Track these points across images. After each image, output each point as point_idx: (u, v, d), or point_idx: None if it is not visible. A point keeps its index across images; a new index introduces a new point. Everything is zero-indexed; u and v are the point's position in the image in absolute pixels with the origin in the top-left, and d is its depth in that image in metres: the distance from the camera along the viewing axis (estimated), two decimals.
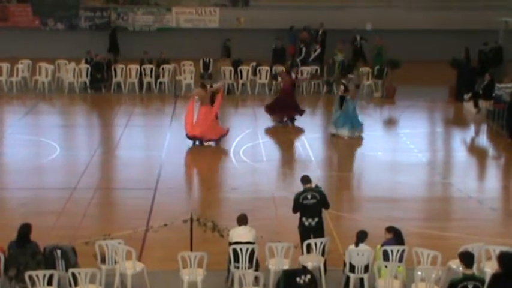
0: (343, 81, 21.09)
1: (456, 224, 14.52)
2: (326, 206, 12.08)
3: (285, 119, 21.85)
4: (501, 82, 23.22)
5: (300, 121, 22.00)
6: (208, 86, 19.90)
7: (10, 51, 28.65)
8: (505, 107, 20.93)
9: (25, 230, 10.90)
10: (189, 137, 19.39)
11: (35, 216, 13.36)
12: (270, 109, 21.99)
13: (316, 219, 11.86)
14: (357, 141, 20.68)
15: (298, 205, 11.91)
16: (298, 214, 11.99)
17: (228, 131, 19.85)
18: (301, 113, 21.89)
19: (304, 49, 27.79)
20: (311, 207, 11.87)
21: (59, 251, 10.91)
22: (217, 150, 19.57)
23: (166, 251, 12.51)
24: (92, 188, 16.02)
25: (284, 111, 21.78)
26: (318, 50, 27.91)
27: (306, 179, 12.15)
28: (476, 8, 31.00)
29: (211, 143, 19.49)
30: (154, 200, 15.26)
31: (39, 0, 31.08)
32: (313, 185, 12.14)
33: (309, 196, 11.89)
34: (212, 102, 19.59)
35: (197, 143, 19.44)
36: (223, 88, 21.33)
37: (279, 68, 25.53)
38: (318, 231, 11.83)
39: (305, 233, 11.83)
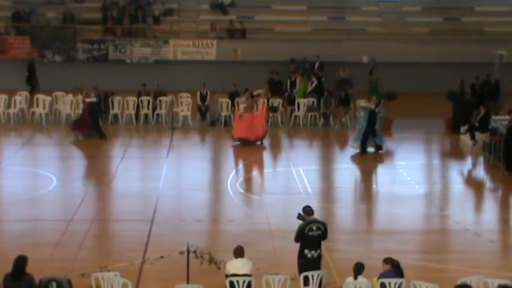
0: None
1: (454, 257, 14.47)
2: (326, 237, 12.02)
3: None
4: (497, 114, 23.28)
5: (297, 153, 21.97)
6: (249, 93, 23.49)
7: (8, 83, 28.71)
8: (502, 139, 20.96)
9: (21, 263, 10.84)
10: (234, 138, 22.75)
11: (30, 248, 13.27)
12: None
13: (318, 251, 11.80)
14: (355, 173, 20.76)
15: (303, 236, 11.80)
16: (298, 246, 11.87)
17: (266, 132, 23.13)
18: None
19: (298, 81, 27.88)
20: (315, 239, 11.79)
21: (54, 284, 10.83)
22: (215, 182, 19.54)
23: (162, 283, 12.44)
24: (89, 219, 15.95)
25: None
26: (315, 83, 27.99)
27: (309, 211, 12.00)
28: (472, 41, 31.24)
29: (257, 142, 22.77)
30: (150, 232, 15.19)
31: (38, 32, 31.25)
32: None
33: (314, 227, 11.81)
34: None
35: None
36: (264, 94, 24.30)
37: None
38: (318, 263, 11.76)
39: (307, 265, 11.67)
